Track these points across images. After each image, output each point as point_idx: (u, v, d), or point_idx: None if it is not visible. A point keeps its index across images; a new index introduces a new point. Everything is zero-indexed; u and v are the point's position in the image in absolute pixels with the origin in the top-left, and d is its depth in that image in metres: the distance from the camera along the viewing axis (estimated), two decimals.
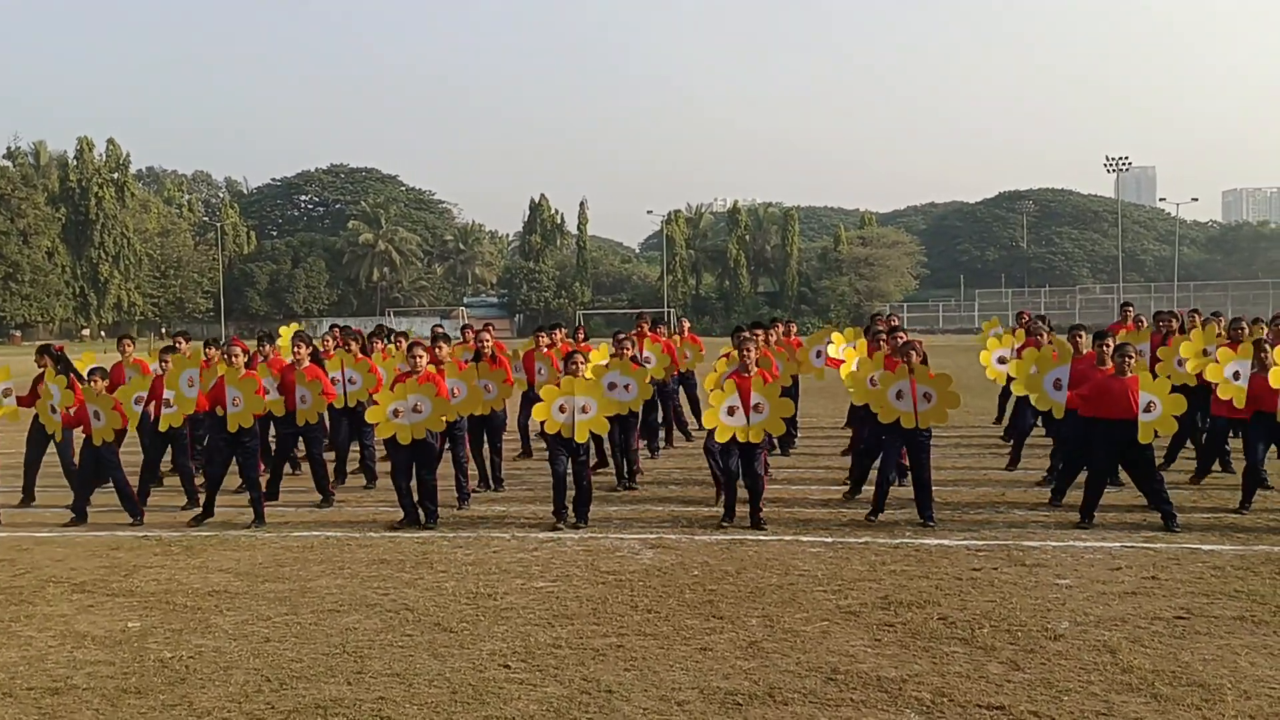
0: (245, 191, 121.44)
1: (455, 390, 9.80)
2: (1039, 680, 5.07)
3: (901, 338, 9.73)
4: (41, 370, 10.45)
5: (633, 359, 10.87)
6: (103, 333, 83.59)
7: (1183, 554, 7.56)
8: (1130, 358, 8.47)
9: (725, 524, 8.78)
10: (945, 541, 8.11)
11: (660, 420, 13.38)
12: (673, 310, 70.30)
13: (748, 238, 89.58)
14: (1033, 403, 9.91)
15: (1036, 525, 8.65)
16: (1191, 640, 5.62)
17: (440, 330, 12.70)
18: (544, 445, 11.43)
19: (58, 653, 5.88)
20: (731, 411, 8.72)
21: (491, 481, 11.00)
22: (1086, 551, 7.72)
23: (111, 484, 9.80)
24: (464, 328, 13.39)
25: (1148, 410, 8.35)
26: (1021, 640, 5.68)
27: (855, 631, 5.92)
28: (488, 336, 11.30)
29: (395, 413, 9.02)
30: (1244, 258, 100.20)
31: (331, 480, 10.76)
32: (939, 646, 5.62)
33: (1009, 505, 9.52)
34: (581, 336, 14.64)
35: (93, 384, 9.73)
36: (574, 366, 9.11)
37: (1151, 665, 5.24)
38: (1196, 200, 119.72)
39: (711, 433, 8.93)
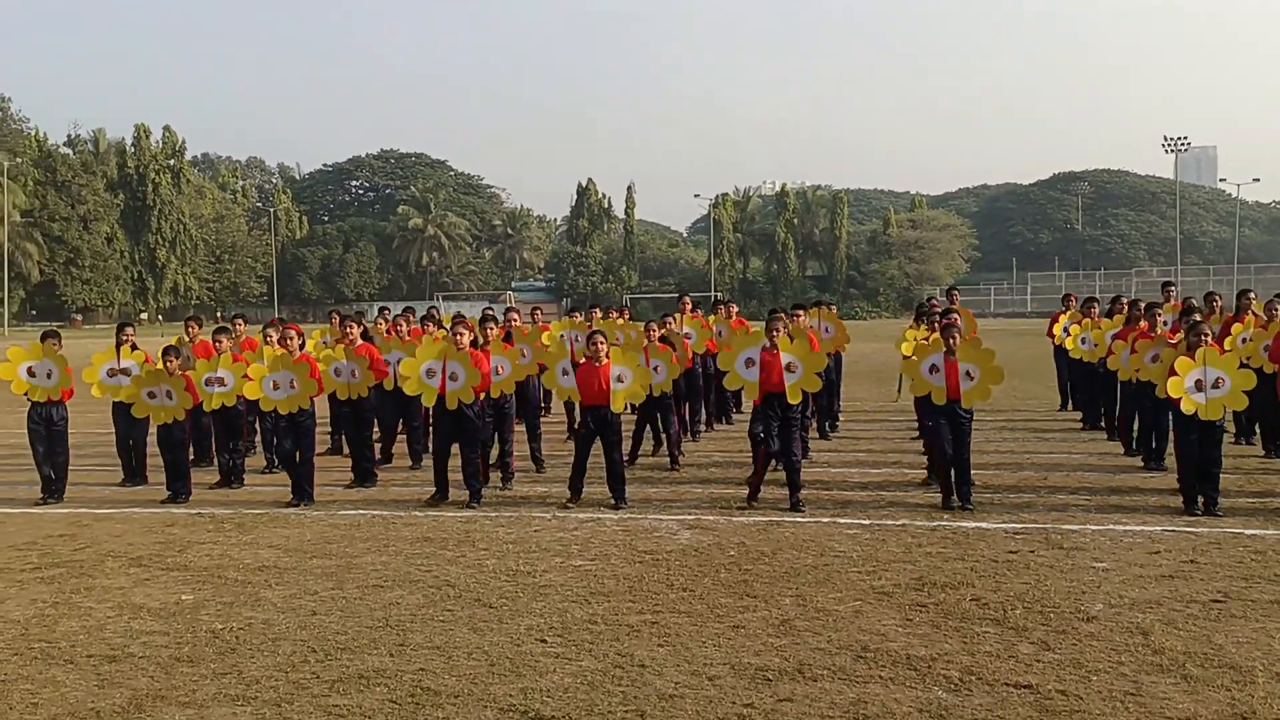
0: (298, 177, 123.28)
1: (499, 368, 10.00)
2: (1069, 660, 5.10)
3: (953, 319, 9.67)
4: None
5: (662, 339, 10.98)
6: (160, 316, 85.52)
7: (1224, 538, 7.50)
8: (1205, 334, 8.48)
9: (751, 503, 8.80)
10: (983, 524, 8.12)
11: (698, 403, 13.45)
12: (719, 294, 70.20)
13: (796, 221, 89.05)
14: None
15: (1077, 509, 8.62)
16: (1226, 623, 5.61)
17: (490, 312, 12.93)
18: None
19: (115, 623, 6.13)
20: (748, 364, 8.81)
21: (533, 462, 11.18)
22: (1126, 535, 7.68)
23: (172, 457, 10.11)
24: (507, 310, 13.62)
25: (1216, 386, 8.25)
26: (1054, 621, 5.70)
27: (887, 611, 5.98)
28: (515, 317, 11.68)
29: (429, 372, 9.20)
30: None
31: (376, 460, 11.04)
32: (970, 627, 5.66)
33: (1050, 489, 9.47)
34: (626, 317, 14.86)
35: (168, 363, 9.98)
36: (594, 347, 9.19)
37: (1184, 647, 5.24)
38: (1258, 180, 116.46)
39: (755, 417, 8.96)
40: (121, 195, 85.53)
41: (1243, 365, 9.57)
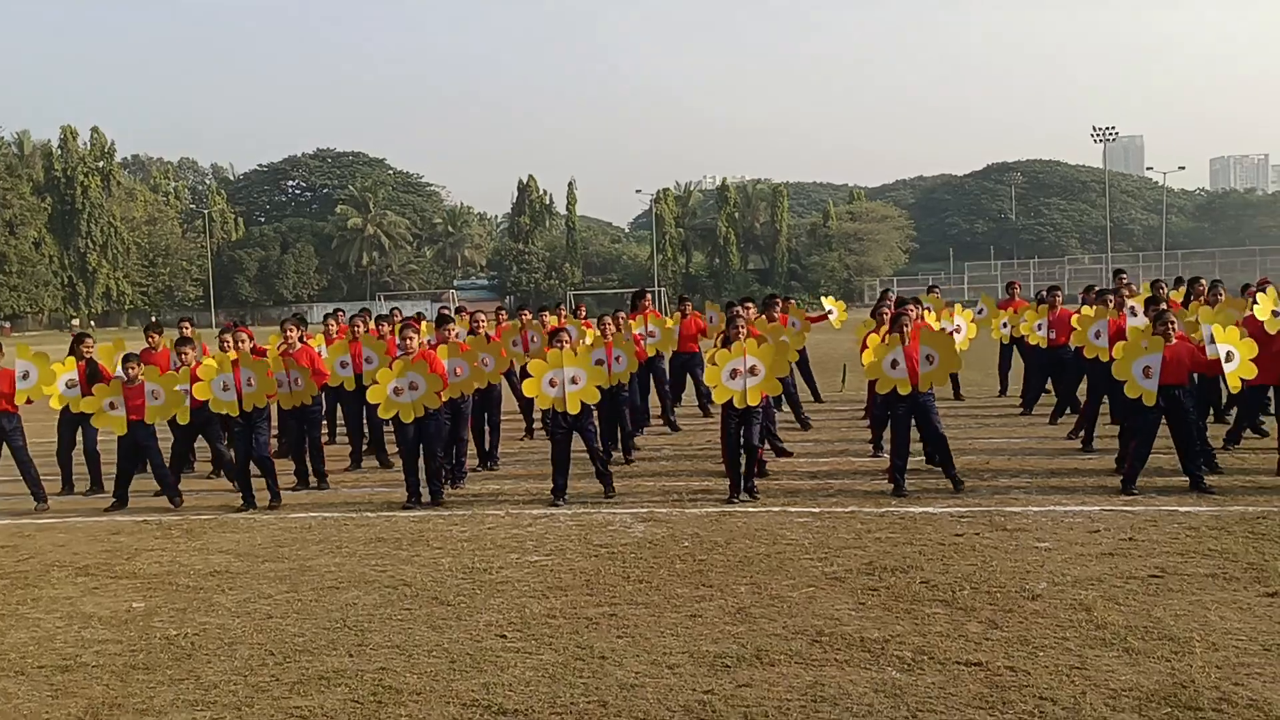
0: (232, 178, 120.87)
1: (458, 370, 9.97)
2: (1016, 638, 5.26)
3: (905, 310, 9.84)
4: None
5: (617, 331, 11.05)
6: (92, 322, 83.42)
7: (1160, 516, 7.76)
8: (1172, 323, 8.66)
9: (734, 499, 8.84)
10: (929, 509, 8.30)
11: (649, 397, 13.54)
12: (662, 289, 70.42)
13: (737, 215, 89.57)
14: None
15: (1019, 492, 8.85)
16: (1164, 597, 5.82)
17: (446, 312, 12.87)
18: (544, 427, 11.68)
19: (65, 633, 6.04)
20: (734, 374, 8.84)
21: (487, 460, 11.18)
22: (1066, 516, 7.92)
23: (149, 468, 9.98)
24: (458, 309, 13.59)
25: (1228, 360, 8.50)
26: (1000, 601, 5.87)
27: (840, 596, 6.11)
28: (482, 317, 11.56)
29: (396, 391, 9.16)
30: (1231, 225, 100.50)
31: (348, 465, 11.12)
32: (921, 608, 5.81)
33: (993, 473, 9.71)
34: (582, 314, 14.88)
35: (130, 370, 9.73)
36: (559, 342, 9.25)
37: (1125, 621, 5.43)
38: (1184, 169, 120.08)
39: (725, 416, 9.00)
40: (49, 199, 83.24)
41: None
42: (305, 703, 4.82)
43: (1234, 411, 10.94)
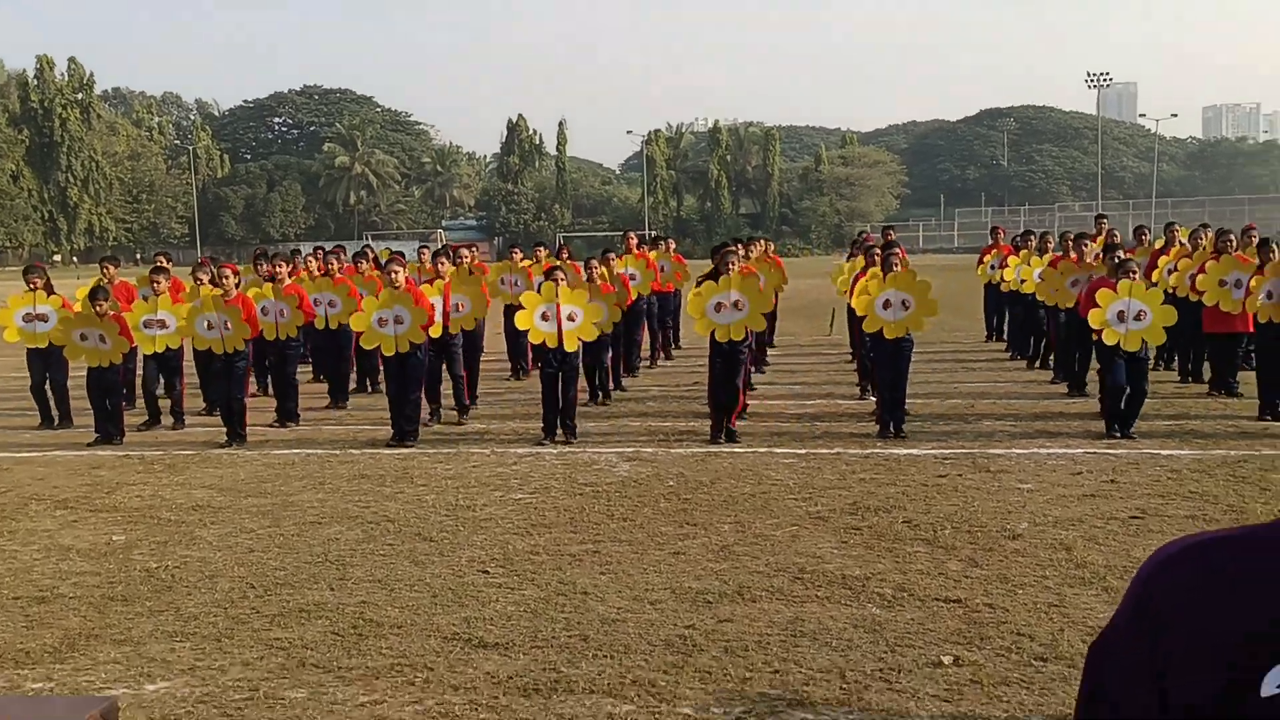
0: (217, 114, 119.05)
1: (460, 305, 9.90)
2: (995, 576, 5.28)
3: (893, 251, 9.75)
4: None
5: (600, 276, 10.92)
6: (74, 258, 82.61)
7: (1142, 459, 7.79)
8: (1133, 271, 8.58)
9: (717, 439, 8.78)
10: (914, 451, 8.31)
11: (638, 339, 13.48)
12: (654, 232, 69.98)
13: (729, 158, 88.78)
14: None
15: (1003, 434, 8.86)
16: (1144, 538, 5.85)
17: (431, 248, 12.76)
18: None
19: (43, 565, 6.01)
20: (719, 308, 8.76)
21: (467, 398, 11.13)
22: (1049, 458, 7.94)
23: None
24: (444, 247, 13.45)
25: (1138, 319, 8.39)
26: (981, 540, 5.89)
27: (823, 535, 6.12)
28: (466, 253, 11.42)
29: (380, 321, 9.06)
30: (1222, 174, 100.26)
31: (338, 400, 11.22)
32: (902, 547, 5.82)
33: (977, 416, 9.72)
34: (566, 258, 14.68)
35: (98, 306, 9.58)
36: (555, 279, 9.14)
37: (1104, 561, 5.45)
38: (1176, 116, 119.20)
39: (710, 353, 8.91)
40: (26, 131, 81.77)
41: (1169, 298, 9.90)
42: (285, 635, 4.81)
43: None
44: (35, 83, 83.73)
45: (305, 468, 8.42)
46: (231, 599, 5.31)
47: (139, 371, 10.88)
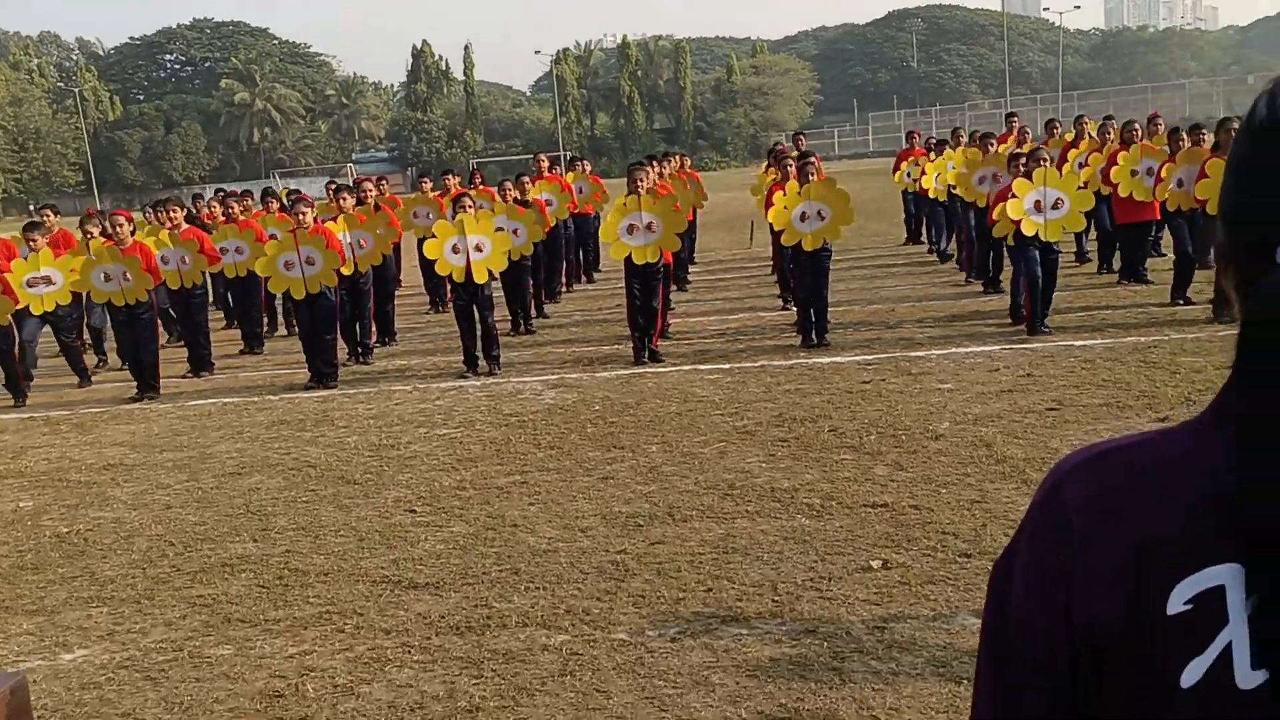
0: (101, 53, 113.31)
1: (361, 242, 9.63)
2: (920, 478, 5.36)
3: (809, 162, 9.64)
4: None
5: (518, 201, 10.71)
6: None
7: (1057, 351, 7.94)
8: (1043, 161, 8.63)
9: (640, 362, 8.72)
10: (838, 359, 8.36)
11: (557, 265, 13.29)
12: (568, 153, 69.00)
13: (640, 74, 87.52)
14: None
15: (923, 338, 8.96)
16: (1061, 429, 5.97)
17: (337, 184, 12.32)
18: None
19: None
20: (631, 230, 8.62)
21: (386, 336, 10.92)
22: (968, 357, 8.05)
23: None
24: (347, 184, 13.02)
25: (1055, 207, 8.41)
26: (905, 443, 5.96)
27: (751, 449, 6.14)
28: (369, 187, 11.08)
29: (286, 265, 8.78)
30: (1125, 63, 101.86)
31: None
32: (829, 456, 5.87)
33: (898, 320, 9.81)
34: (478, 183, 14.32)
35: None
36: (462, 208, 8.93)
37: (1024, 454, 5.56)
38: (1079, 8, 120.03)
39: (628, 276, 8.77)
40: None
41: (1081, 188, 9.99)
42: (209, 591, 4.68)
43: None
44: None
45: (222, 418, 8.18)
46: (150, 559, 5.15)
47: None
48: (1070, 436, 5.78)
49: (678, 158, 14.54)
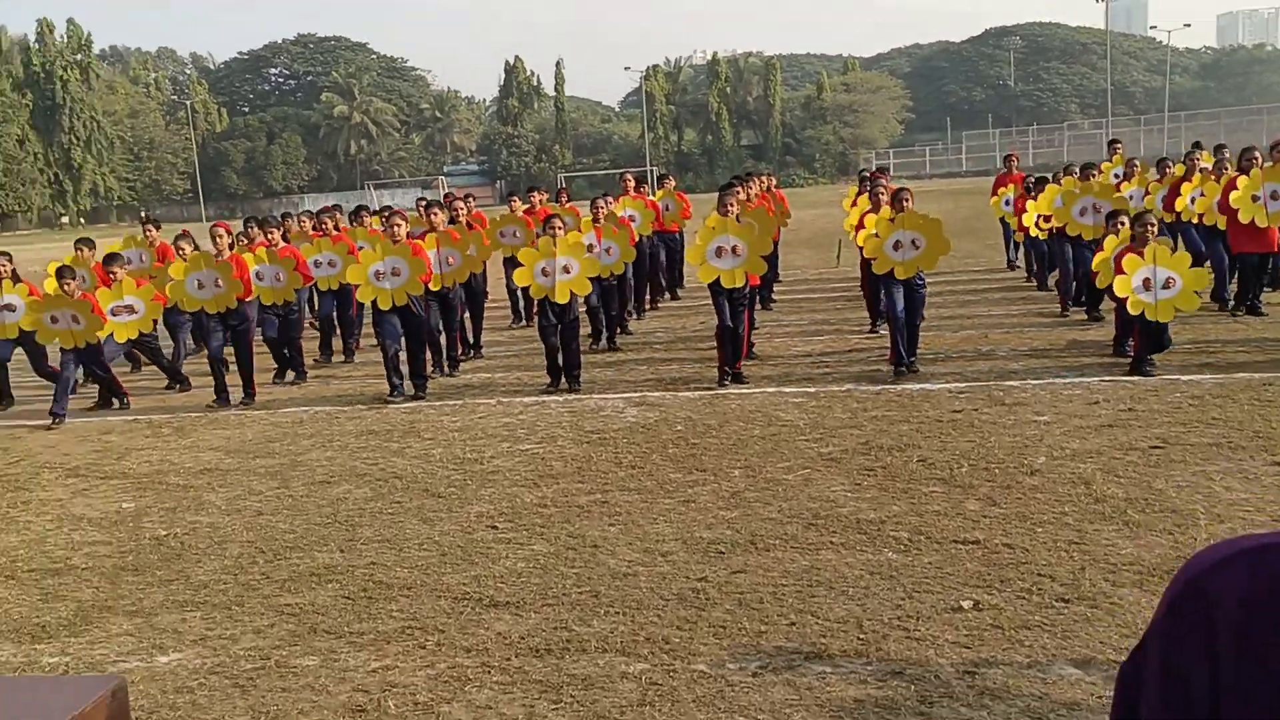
0: (212, 67, 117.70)
1: (449, 259, 9.75)
2: (1014, 514, 5.18)
3: (891, 187, 9.52)
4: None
5: (607, 217, 10.75)
6: (81, 219, 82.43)
7: (1162, 385, 7.64)
8: (1151, 225, 8.16)
9: (723, 383, 8.66)
10: (927, 386, 8.18)
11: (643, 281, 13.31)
12: (655, 169, 69.24)
13: (729, 90, 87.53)
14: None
15: (1018, 366, 8.72)
16: (1166, 468, 5.73)
17: (428, 200, 12.50)
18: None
19: (56, 535, 5.98)
20: (719, 253, 8.57)
21: (473, 349, 11.05)
22: (1066, 388, 7.80)
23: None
24: (445, 196, 13.20)
25: (1166, 287, 7.89)
26: (999, 477, 5.79)
27: (836, 477, 6.02)
28: (461, 205, 11.23)
29: (376, 275, 8.93)
30: (1238, 83, 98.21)
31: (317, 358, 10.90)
32: (918, 487, 5.72)
33: (991, 347, 9.57)
34: (565, 200, 14.42)
35: (65, 286, 9.16)
36: (552, 229, 8.99)
37: (1125, 494, 5.35)
38: (1189, 26, 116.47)
39: (714, 295, 8.70)
40: (29, 95, 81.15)
41: (1195, 227, 9.64)
42: (296, 600, 4.76)
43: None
44: (37, 46, 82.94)
45: (313, 425, 8.36)
46: (241, 565, 5.27)
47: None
48: (1176, 477, 5.55)
49: (761, 179, 14.35)
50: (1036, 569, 4.48)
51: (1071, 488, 5.51)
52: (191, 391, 10.28)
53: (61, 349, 9.28)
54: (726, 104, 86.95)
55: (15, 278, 9.72)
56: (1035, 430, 6.68)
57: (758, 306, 11.09)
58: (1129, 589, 4.22)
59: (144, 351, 10.70)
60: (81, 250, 10.81)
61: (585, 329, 10.89)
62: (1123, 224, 8.55)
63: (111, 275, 9.76)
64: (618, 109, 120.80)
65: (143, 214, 12.18)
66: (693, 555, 4.96)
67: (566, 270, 8.77)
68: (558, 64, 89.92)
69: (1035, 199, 12.55)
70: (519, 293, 12.75)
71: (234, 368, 9.53)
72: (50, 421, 9.06)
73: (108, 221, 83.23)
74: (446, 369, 10.07)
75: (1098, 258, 8.74)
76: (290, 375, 10.41)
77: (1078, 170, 11.65)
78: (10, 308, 9.52)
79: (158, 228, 11.55)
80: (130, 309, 9.63)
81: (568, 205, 13.76)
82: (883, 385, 8.29)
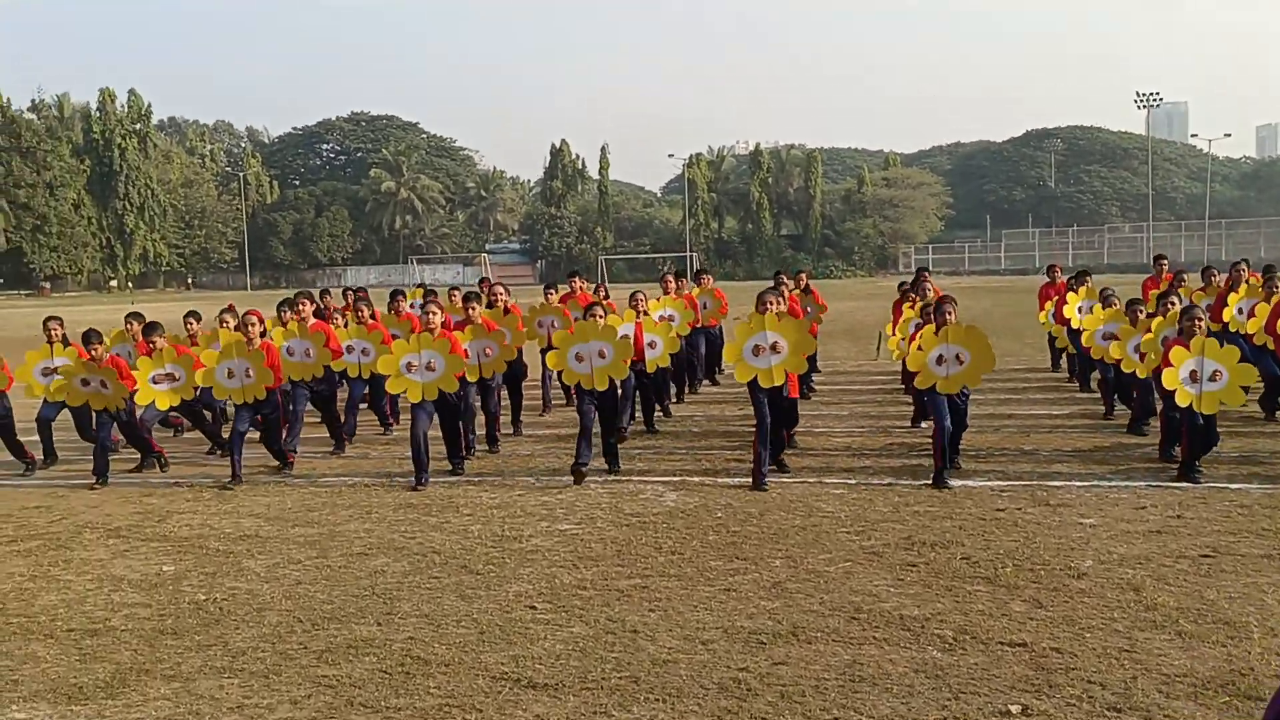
0: (267, 141, 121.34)
1: (487, 351, 9.81)
2: (1062, 618, 5.09)
3: (937, 290, 9.50)
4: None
5: (646, 312, 10.78)
6: (130, 284, 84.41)
7: (1209, 493, 7.52)
8: (1199, 320, 8.13)
9: (762, 487, 8.53)
10: (969, 483, 8.11)
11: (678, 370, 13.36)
12: (694, 256, 70.00)
13: (770, 180, 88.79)
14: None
15: (1061, 467, 8.62)
16: (1216, 578, 5.61)
17: (471, 290, 12.54)
18: (564, 400, 11.49)
19: (96, 595, 6.01)
20: (756, 351, 8.55)
21: (512, 426, 11.08)
22: (1111, 491, 7.70)
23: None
24: (481, 280, 13.32)
25: (1213, 379, 7.85)
26: (1045, 579, 5.69)
27: (878, 571, 5.95)
28: (500, 291, 11.25)
29: (408, 366, 8.84)
30: (1277, 194, 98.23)
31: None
32: (962, 585, 5.64)
33: (1034, 448, 9.48)
34: (603, 294, 14.45)
35: (92, 351, 9.36)
36: (592, 317, 9.00)
37: (1176, 603, 5.24)
38: (1229, 136, 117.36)
39: (753, 390, 8.67)
40: (88, 161, 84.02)
41: (1244, 342, 9.56)
42: (333, 671, 4.75)
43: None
44: (98, 115, 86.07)
45: (352, 496, 8.40)
46: (279, 633, 5.27)
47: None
48: (1227, 588, 5.43)
49: (798, 277, 14.26)
50: (1086, 676, 4.38)
51: (1120, 593, 5.41)
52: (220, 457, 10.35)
53: (94, 411, 9.49)
54: (767, 194, 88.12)
55: (65, 341, 9.98)
56: (1081, 533, 6.59)
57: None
58: (1183, 701, 4.12)
59: (186, 415, 10.82)
60: (131, 324, 10.97)
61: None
62: (1173, 304, 8.51)
63: (151, 345, 9.82)
64: (659, 194, 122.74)
65: (188, 280, 12.31)
66: (734, 644, 4.90)
67: (602, 356, 8.75)
68: (602, 148, 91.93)
69: (1076, 292, 12.58)
70: (555, 376, 12.77)
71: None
72: (93, 481, 9.18)
73: (155, 286, 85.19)
74: (488, 447, 10.09)
75: (1145, 338, 8.71)
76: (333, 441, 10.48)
77: (1126, 305, 11.51)
78: (58, 371, 9.74)
79: (198, 320, 11.41)
80: (171, 377, 9.73)
81: (607, 302, 13.84)
82: (924, 480, 8.22)
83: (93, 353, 9.40)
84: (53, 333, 9.97)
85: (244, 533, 7.34)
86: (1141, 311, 9.78)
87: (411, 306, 13.32)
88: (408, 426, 10.40)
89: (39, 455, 10.14)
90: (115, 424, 9.59)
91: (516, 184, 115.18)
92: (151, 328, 10.09)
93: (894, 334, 12.16)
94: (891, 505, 7.48)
